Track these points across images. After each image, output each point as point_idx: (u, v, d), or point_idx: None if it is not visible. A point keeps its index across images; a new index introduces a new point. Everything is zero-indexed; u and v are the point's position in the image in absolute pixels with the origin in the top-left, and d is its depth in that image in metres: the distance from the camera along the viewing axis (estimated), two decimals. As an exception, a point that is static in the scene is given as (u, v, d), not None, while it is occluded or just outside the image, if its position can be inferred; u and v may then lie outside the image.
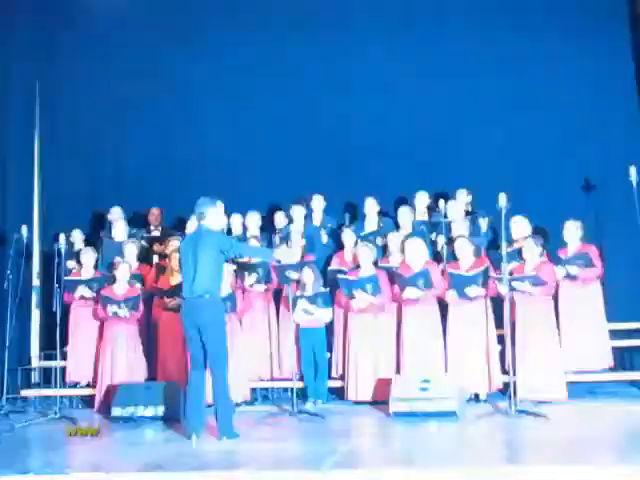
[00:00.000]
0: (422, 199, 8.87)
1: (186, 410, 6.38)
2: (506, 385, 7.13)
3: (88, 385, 8.57)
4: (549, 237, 8.14)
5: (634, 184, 7.49)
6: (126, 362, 8.11)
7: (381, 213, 9.01)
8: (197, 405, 6.33)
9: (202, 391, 6.39)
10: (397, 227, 8.70)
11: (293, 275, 8.16)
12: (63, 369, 8.41)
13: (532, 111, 9.23)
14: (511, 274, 7.33)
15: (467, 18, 9.57)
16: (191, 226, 8.45)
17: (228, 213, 8.96)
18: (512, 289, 7.25)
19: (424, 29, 9.68)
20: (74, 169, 10.34)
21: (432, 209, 8.84)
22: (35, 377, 9.38)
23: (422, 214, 8.86)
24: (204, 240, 6.41)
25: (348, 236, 8.56)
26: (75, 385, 8.59)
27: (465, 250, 7.67)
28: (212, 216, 6.54)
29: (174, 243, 8.46)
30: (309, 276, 8.10)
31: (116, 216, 9.51)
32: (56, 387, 7.90)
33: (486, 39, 9.42)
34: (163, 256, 8.81)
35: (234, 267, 8.16)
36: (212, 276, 6.39)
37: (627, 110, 9.00)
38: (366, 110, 9.84)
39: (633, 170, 7.41)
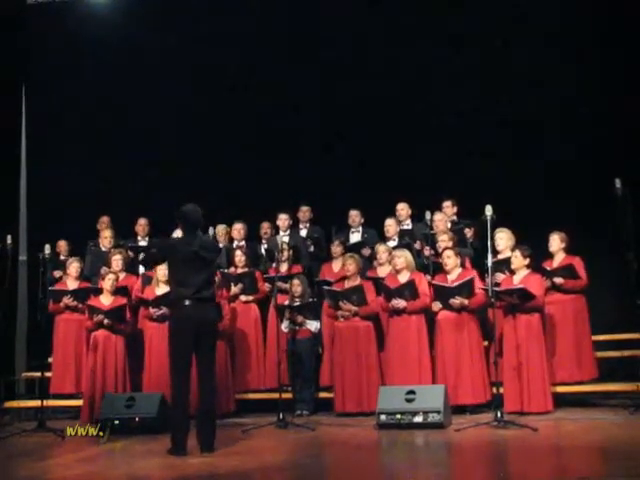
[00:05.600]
0: (404, 209, 8.90)
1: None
2: (493, 396, 7.13)
3: (73, 396, 8.52)
4: (533, 249, 8.16)
5: (619, 195, 7.50)
6: (112, 373, 8.04)
7: (365, 224, 9.04)
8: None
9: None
10: (382, 238, 8.71)
11: (282, 285, 8.15)
12: (48, 380, 8.36)
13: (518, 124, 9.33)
14: (499, 286, 7.35)
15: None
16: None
17: (214, 223, 9.01)
18: (499, 300, 7.26)
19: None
20: (61, 177, 10.32)
21: (415, 218, 8.88)
22: (20, 388, 9.31)
23: (406, 224, 8.89)
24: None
25: (337, 247, 8.57)
26: (60, 396, 8.52)
27: (452, 262, 7.67)
28: None
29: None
30: (298, 286, 8.11)
31: (103, 225, 9.49)
32: (41, 398, 7.81)
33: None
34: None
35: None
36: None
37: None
38: (351, 122, 9.89)
39: (618, 182, 7.44)
